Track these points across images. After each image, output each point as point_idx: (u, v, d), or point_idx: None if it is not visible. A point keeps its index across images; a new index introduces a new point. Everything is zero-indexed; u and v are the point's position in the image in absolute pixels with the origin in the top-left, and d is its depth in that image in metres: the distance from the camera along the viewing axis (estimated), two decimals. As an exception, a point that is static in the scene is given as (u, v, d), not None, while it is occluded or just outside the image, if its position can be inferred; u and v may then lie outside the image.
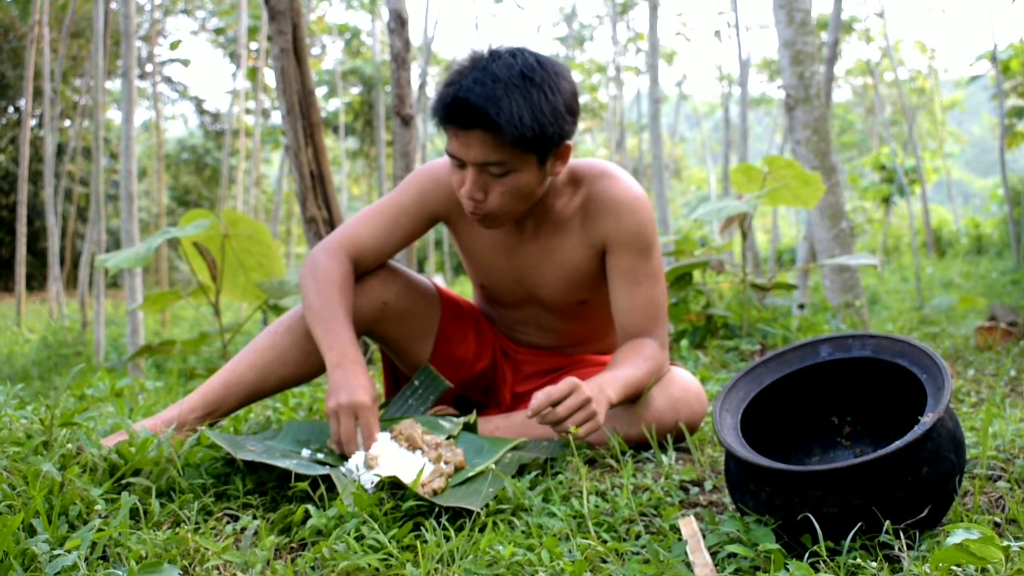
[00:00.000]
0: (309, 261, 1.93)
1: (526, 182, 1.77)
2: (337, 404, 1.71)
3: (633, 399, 1.88)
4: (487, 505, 1.48)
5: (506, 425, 2.02)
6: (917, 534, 1.22)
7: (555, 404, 1.66)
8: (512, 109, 1.67)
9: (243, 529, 1.40)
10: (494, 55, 1.74)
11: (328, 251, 1.92)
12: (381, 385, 2.47)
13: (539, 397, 1.67)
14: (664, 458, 1.73)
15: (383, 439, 1.70)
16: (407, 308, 2.06)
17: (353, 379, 1.74)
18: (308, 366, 1.97)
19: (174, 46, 18.66)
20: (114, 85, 15.91)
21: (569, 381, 1.68)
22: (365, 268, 1.97)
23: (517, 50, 1.75)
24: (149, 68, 15.68)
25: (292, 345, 1.95)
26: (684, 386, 1.94)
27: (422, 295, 2.09)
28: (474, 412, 1.94)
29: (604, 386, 1.76)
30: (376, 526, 1.35)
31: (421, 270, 17.96)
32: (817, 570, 1.17)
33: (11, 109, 17.30)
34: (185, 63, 19.58)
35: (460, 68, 1.75)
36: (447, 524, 1.39)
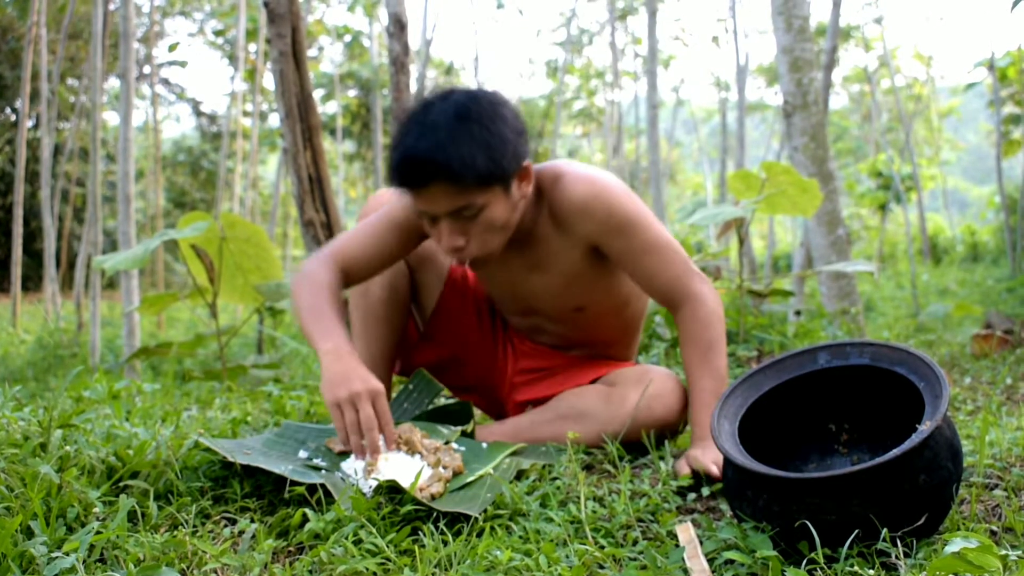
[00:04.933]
0: (301, 271, 1.95)
1: (499, 214, 1.77)
2: (350, 392, 1.66)
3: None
4: (485, 510, 1.48)
5: (502, 431, 2.03)
6: (914, 542, 1.22)
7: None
8: (462, 152, 1.67)
9: (241, 532, 1.40)
10: (427, 105, 1.73)
11: (319, 260, 1.95)
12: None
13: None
14: (662, 464, 1.74)
15: (381, 442, 1.70)
16: (427, 254, 2.12)
17: (358, 368, 1.71)
18: None
19: (172, 48, 18.65)
20: (110, 86, 15.89)
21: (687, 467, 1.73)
22: (355, 280, 1.98)
23: (447, 92, 1.75)
24: (147, 70, 15.67)
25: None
26: (660, 383, 1.97)
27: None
28: (472, 421, 1.94)
29: (702, 442, 1.81)
30: (374, 530, 1.35)
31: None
32: (814, 577, 1.17)
33: (8, 110, 17.28)
34: (183, 65, 19.59)
35: (400, 128, 1.75)
36: (445, 529, 1.40)
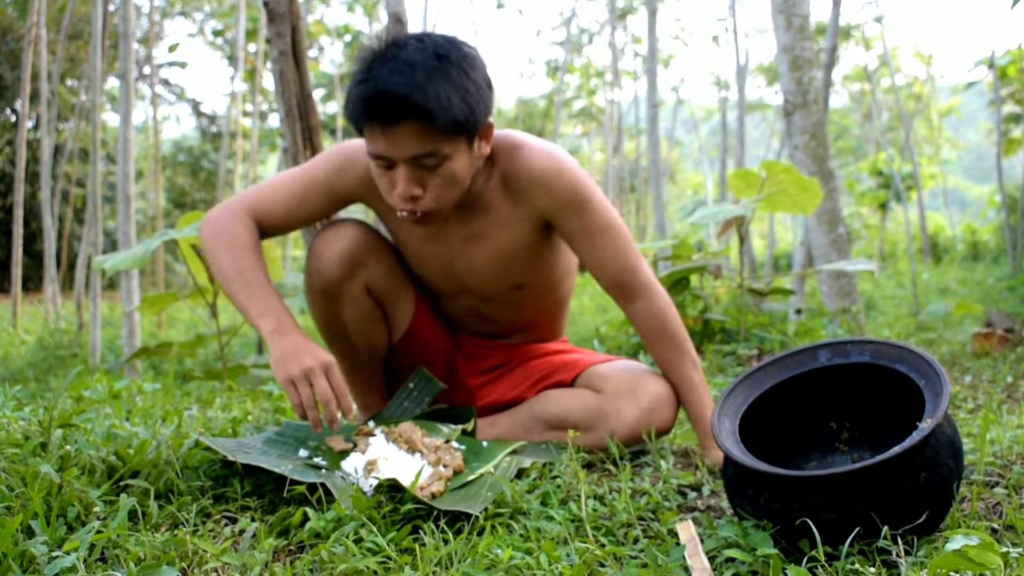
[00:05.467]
0: (212, 223, 1.83)
1: (459, 168, 1.69)
2: (302, 368, 1.64)
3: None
4: (486, 508, 1.48)
5: (494, 434, 2.02)
6: (915, 540, 1.22)
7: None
8: (440, 93, 1.58)
9: (241, 531, 1.40)
10: (399, 44, 1.63)
11: (232, 213, 1.84)
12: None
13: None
14: (662, 463, 1.74)
15: (381, 441, 1.70)
16: (397, 290, 2.03)
17: (306, 343, 1.68)
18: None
19: (172, 49, 18.66)
20: (110, 86, 15.90)
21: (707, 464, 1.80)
22: (270, 235, 1.90)
23: (422, 34, 1.65)
24: (147, 70, 15.67)
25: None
26: (654, 394, 1.92)
27: (401, 281, 2.04)
28: (473, 420, 1.94)
29: (706, 438, 1.87)
30: (374, 529, 1.35)
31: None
32: (815, 575, 1.17)
33: (8, 110, 17.27)
34: (183, 65, 19.59)
35: (366, 63, 1.63)
36: (446, 527, 1.40)
